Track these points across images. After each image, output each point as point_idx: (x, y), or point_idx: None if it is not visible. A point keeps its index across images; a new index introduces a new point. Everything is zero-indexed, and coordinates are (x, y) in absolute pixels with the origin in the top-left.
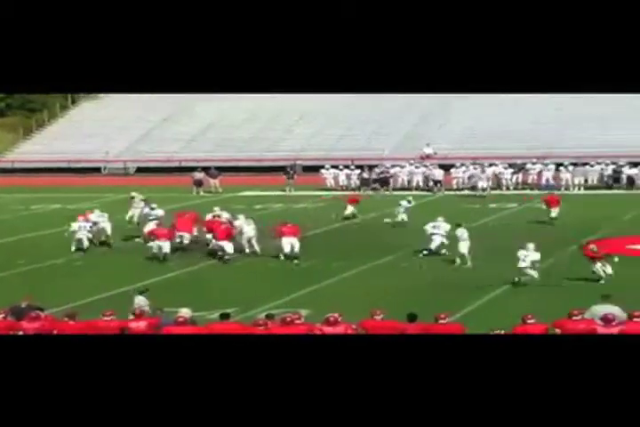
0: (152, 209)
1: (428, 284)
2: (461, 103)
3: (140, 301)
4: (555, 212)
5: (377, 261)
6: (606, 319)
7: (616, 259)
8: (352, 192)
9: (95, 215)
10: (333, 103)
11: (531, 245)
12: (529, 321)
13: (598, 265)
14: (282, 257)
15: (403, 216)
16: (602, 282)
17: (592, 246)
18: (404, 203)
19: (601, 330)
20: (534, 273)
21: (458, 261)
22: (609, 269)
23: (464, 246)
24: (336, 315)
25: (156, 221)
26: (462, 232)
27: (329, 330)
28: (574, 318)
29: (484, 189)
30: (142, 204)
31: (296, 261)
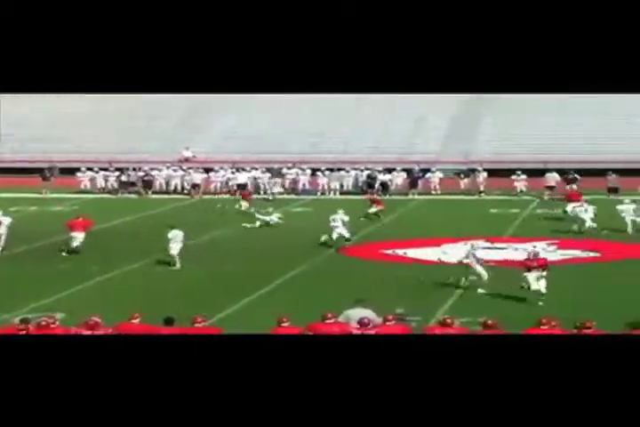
0: None
1: (184, 287)
2: (222, 106)
3: None
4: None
5: (135, 264)
6: (362, 323)
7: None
8: (108, 195)
9: None
10: (94, 104)
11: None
12: (283, 324)
13: (532, 276)
14: (63, 253)
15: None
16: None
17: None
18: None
19: (357, 333)
20: (484, 272)
21: (177, 264)
22: (542, 285)
23: (175, 248)
24: (96, 318)
25: None
26: (175, 234)
27: (88, 334)
28: (327, 321)
29: (276, 193)
30: None
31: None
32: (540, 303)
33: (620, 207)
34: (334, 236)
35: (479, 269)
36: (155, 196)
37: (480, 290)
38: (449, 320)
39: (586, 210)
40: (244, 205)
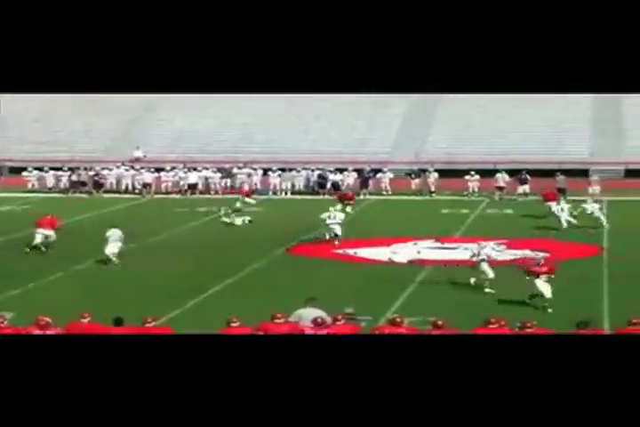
0: None
1: (135, 287)
2: (173, 105)
3: None
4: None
5: (85, 264)
6: (316, 323)
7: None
8: (60, 194)
9: None
10: (46, 103)
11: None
12: (233, 324)
13: (540, 282)
14: (27, 249)
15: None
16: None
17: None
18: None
19: (309, 333)
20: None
21: (115, 260)
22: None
23: (113, 247)
24: (47, 318)
25: None
26: (114, 233)
27: (38, 333)
28: (277, 320)
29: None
30: None
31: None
32: (548, 307)
33: (586, 206)
34: (338, 232)
35: (486, 267)
36: (106, 195)
37: (487, 289)
38: (399, 320)
39: (562, 209)
40: (248, 200)
